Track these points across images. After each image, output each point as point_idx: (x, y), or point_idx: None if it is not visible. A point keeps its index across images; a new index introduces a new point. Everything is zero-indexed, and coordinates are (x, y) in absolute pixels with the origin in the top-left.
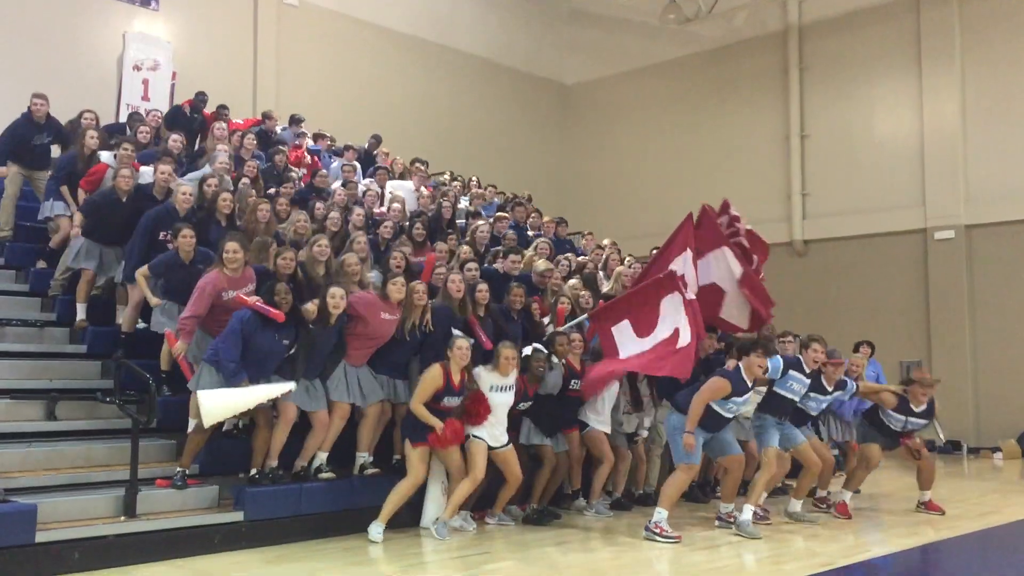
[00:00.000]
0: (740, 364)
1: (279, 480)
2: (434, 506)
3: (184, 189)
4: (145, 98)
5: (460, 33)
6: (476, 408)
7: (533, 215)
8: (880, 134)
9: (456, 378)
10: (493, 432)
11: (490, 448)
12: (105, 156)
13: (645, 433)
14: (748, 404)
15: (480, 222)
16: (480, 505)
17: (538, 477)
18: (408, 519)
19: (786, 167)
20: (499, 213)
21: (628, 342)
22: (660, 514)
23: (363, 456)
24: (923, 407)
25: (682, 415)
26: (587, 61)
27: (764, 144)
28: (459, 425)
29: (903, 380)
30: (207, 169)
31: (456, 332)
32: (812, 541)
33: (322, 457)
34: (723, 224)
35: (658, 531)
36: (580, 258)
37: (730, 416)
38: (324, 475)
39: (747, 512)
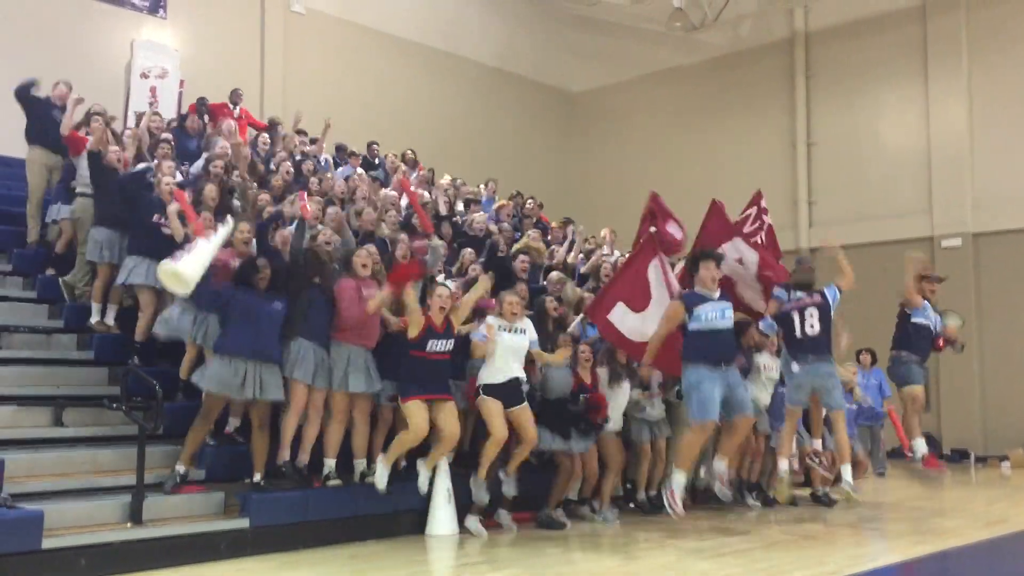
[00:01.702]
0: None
1: (292, 478)
2: (441, 513)
3: (167, 181)
4: (153, 106)
5: (466, 41)
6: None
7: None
8: (887, 142)
9: (438, 320)
10: (504, 367)
11: (506, 408)
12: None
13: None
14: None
15: (476, 214)
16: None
17: (555, 486)
18: (412, 527)
19: (792, 175)
20: (502, 202)
21: (630, 322)
22: (678, 478)
23: (360, 464)
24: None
25: (693, 368)
26: (593, 68)
27: (770, 151)
28: (404, 267)
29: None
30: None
31: (441, 280)
32: (818, 549)
33: (330, 464)
34: (751, 216)
35: (670, 495)
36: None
37: (716, 327)
38: (332, 482)
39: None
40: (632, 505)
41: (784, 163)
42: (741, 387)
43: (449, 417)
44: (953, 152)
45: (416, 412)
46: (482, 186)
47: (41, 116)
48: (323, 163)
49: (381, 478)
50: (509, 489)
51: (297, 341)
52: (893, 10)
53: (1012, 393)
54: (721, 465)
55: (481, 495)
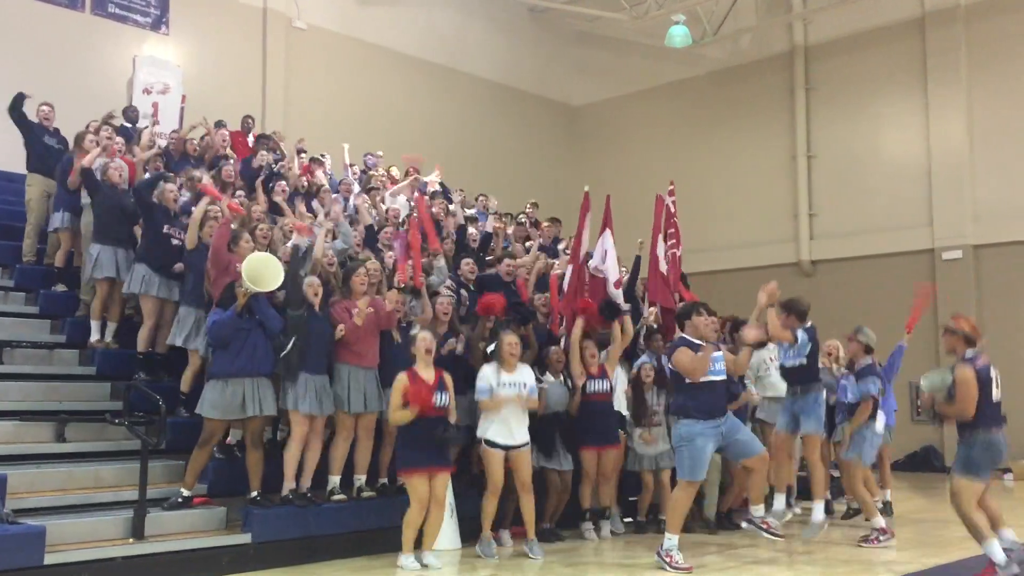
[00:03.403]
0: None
1: (294, 501)
2: (444, 528)
3: (170, 187)
4: (155, 122)
5: (468, 56)
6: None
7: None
8: (887, 154)
9: (426, 375)
10: (507, 429)
11: (507, 450)
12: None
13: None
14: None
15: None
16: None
17: (547, 502)
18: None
19: (793, 187)
20: (496, 225)
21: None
22: (670, 540)
23: (360, 479)
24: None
25: (689, 422)
26: (594, 83)
27: (771, 164)
28: (421, 387)
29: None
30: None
31: (417, 328)
32: (815, 564)
33: (334, 481)
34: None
35: (668, 560)
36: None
37: (712, 379)
38: (336, 497)
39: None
40: (630, 520)
41: (784, 176)
42: (741, 430)
43: (441, 489)
44: (953, 164)
45: (417, 486)
46: (483, 198)
47: (35, 143)
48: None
49: (411, 564)
50: (536, 553)
51: (300, 375)
52: (892, 23)
53: (1014, 405)
54: (759, 510)
55: (490, 552)
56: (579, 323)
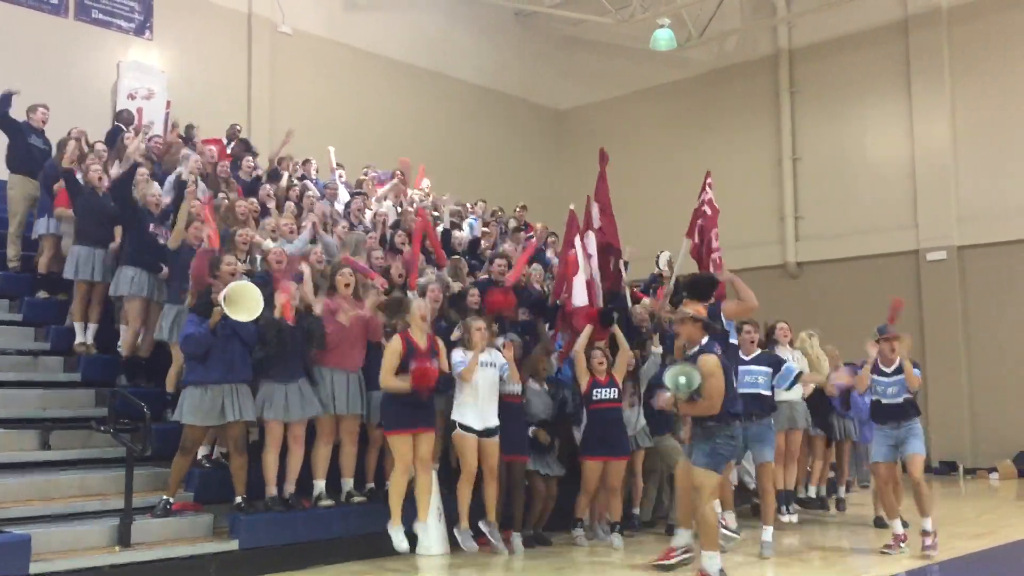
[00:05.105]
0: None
1: (273, 507)
2: (431, 532)
3: (153, 192)
4: (139, 127)
5: (454, 60)
6: (420, 379)
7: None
8: (872, 156)
9: (420, 340)
10: (481, 412)
11: (480, 437)
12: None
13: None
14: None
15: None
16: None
17: (531, 507)
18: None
19: (779, 190)
20: (484, 230)
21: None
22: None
23: (348, 483)
24: (895, 365)
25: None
26: (580, 87)
27: (756, 167)
28: (426, 366)
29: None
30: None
31: (415, 296)
32: (799, 567)
33: (320, 485)
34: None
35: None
36: None
37: (751, 391)
38: (323, 503)
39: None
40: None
41: (770, 178)
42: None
43: (425, 449)
44: (937, 166)
45: (400, 446)
46: (468, 205)
47: (19, 143)
48: (317, 182)
49: (401, 541)
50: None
51: (266, 384)
52: (875, 26)
53: (1000, 405)
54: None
55: (470, 545)
56: (588, 330)
